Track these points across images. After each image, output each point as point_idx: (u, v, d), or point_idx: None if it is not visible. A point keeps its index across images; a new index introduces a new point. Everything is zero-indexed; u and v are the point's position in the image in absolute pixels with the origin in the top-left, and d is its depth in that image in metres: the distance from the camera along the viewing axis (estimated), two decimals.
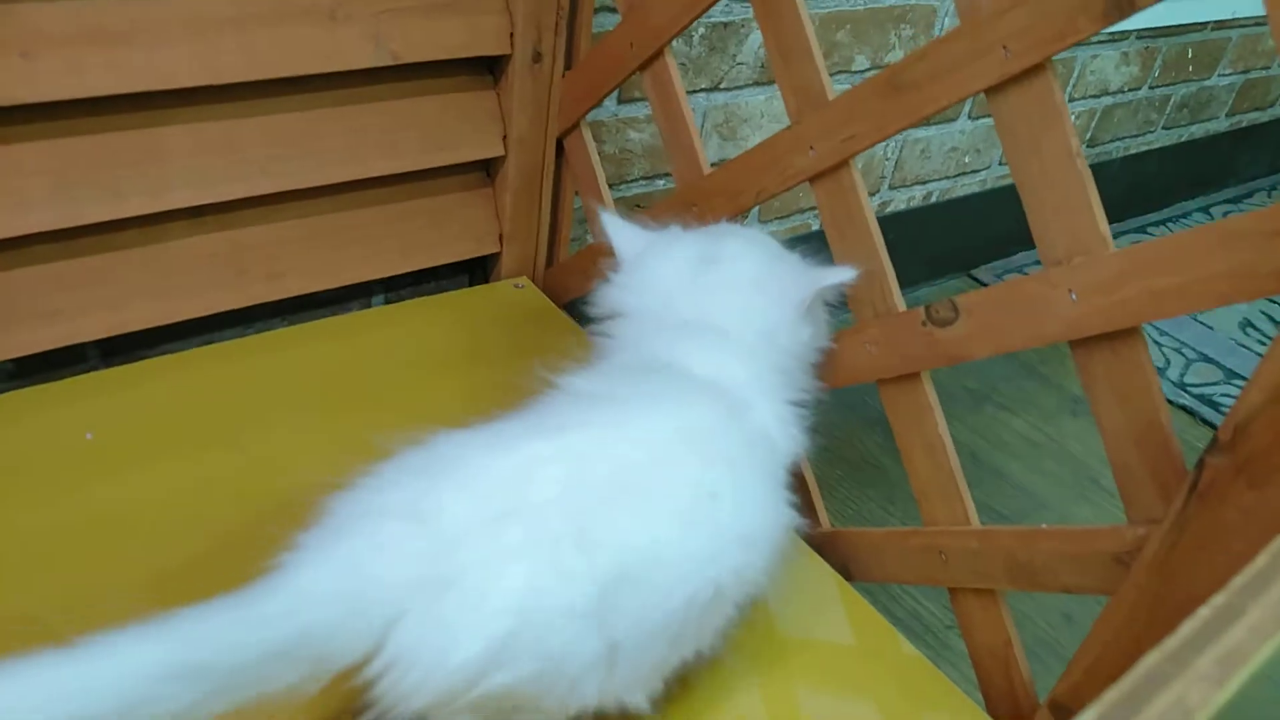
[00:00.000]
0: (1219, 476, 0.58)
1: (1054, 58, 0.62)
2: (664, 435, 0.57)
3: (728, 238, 0.74)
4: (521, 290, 1.07)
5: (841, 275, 0.71)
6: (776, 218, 1.40)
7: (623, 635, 0.52)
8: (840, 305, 0.77)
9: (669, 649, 0.57)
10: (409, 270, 0.99)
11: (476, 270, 1.10)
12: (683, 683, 0.66)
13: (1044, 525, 0.71)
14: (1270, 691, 0.34)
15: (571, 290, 1.07)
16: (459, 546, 0.50)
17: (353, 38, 0.85)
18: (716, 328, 0.68)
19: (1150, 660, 0.33)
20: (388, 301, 1.06)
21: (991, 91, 0.65)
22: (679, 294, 0.70)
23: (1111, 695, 0.31)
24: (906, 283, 1.65)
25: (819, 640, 0.76)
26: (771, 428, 0.66)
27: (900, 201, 1.53)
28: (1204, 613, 0.35)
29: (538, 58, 0.95)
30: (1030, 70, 0.63)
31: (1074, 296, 0.64)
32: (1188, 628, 0.35)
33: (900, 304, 0.76)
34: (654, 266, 0.73)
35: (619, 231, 0.75)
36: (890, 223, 1.53)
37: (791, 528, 0.66)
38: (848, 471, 1.30)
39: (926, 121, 0.71)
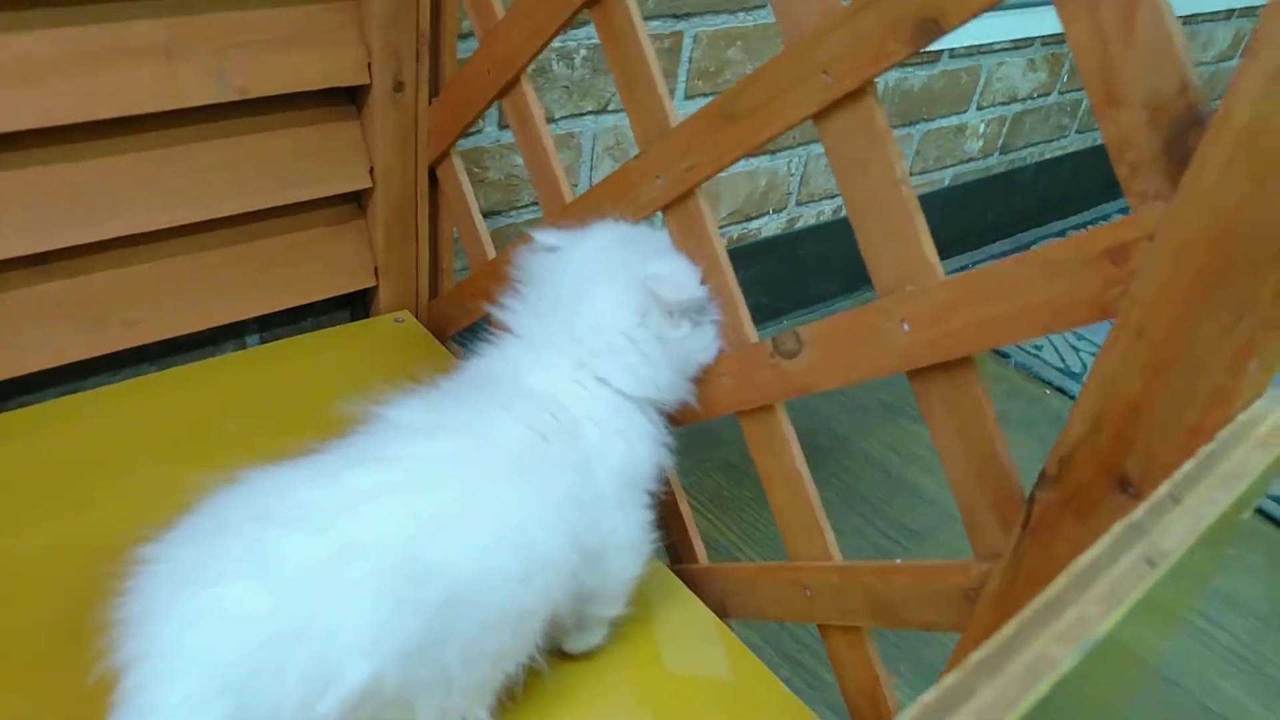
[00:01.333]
0: (1048, 511, 0.57)
1: (875, 80, 0.60)
2: (477, 465, 0.60)
3: (586, 235, 0.74)
4: (402, 324, 1.04)
5: (672, 279, 0.70)
6: None
7: (453, 661, 0.54)
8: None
9: (494, 668, 0.59)
10: (278, 309, 0.97)
11: (358, 305, 1.08)
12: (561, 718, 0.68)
13: (899, 560, 0.69)
14: (1083, 691, 0.32)
15: (456, 322, 1.04)
16: (302, 593, 0.50)
17: (192, 74, 0.82)
18: (564, 334, 0.69)
19: None
20: (263, 341, 1.03)
21: (817, 118, 0.64)
22: (540, 297, 0.72)
23: None
24: (823, 297, 1.63)
25: (696, 679, 0.74)
26: (607, 446, 0.67)
27: (809, 216, 1.51)
28: (927, 698, 0.33)
29: (399, 87, 0.93)
30: (851, 95, 0.61)
31: (906, 327, 0.62)
32: (909, 714, 0.32)
33: (753, 335, 0.74)
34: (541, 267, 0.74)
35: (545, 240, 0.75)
36: (800, 238, 1.52)
37: (645, 546, 0.69)
38: (757, 493, 1.28)
39: (761, 150, 0.68)
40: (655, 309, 0.70)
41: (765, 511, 1.26)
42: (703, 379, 0.76)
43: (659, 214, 0.78)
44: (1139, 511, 0.43)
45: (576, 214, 0.85)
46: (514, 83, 0.86)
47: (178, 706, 0.47)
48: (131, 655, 0.49)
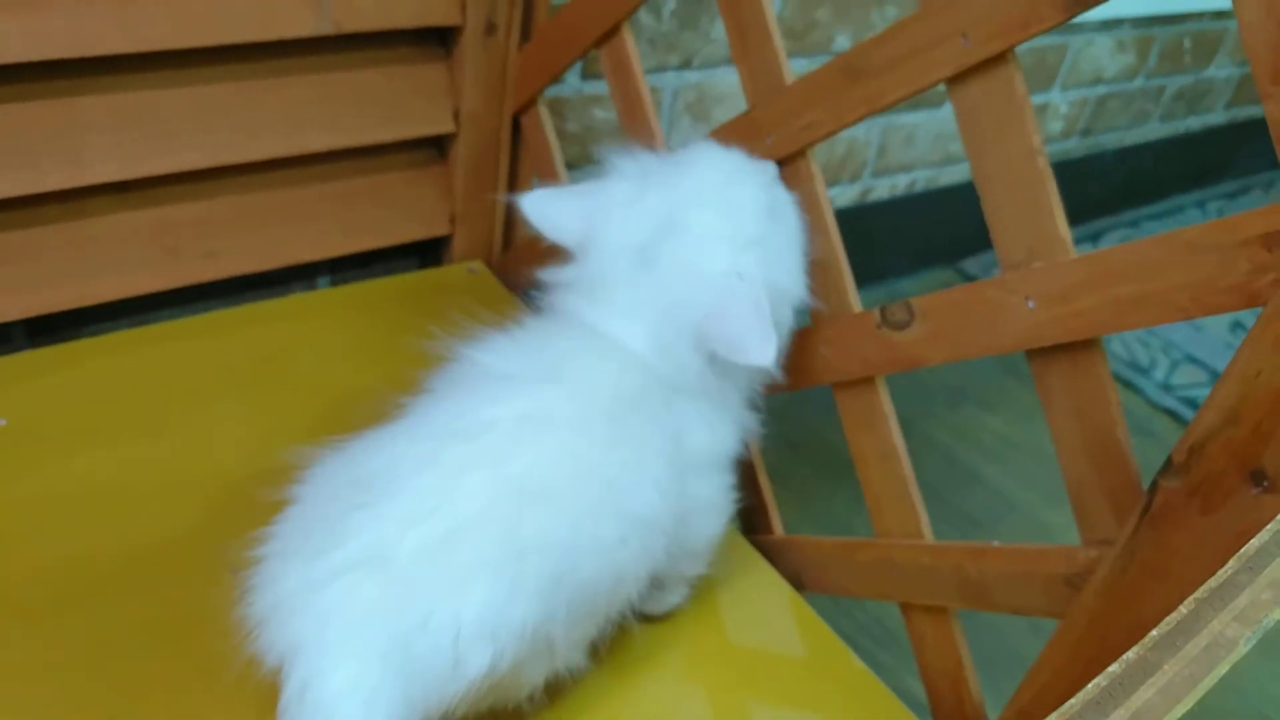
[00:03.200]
0: (1171, 500, 0.55)
1: (1019, 47, 0.58)
2: (572, 420, 0.56)
3: (684, 215, 0.62)
4: (475, 275, 1.02)
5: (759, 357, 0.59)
6: None
7: (558, 629, 0.53)
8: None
9: (590, 624, 0.58)
10: (352, 251, 0.95)
11: (428, 253, 1.06)
12: (631, 686, 0.67)
13: (995, 543, 0.67)
14: None
15: (528, 276, 1.02)
16: (416, 580, 0.49)
17: (292, 4, 0.80)
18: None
19: None
20: (333, 284, 1.02)
21: (951, 82, 0.61)
22: (619, 283, 0.62)
23: None
24: (889, 274, 1.60)
25: (768, 651, 0.73)
26: (690, 420, 0.62)
27: (883, 189, 1.48)
28: (1114, 669, 0.32)
29: (491, 29, 0.90)
30: (991, 61, 0.58)
31: (1032, 304, 0.60)
32: (1093, 686, 0.31)
33: (856, 304, 0.72)
34: (597, 254, 0.63)
35: (546, 215, 0.65)
36: (872, 211, 1.49)
37: (728, 505, 0.67)
38: (817, 470, 1.27)
39: (889, 110, 0.66)
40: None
41: (823, 489, 1.25)
42: (800, 348, 0.74)
43: None
44: None
45: None
46: (615, 31, 0.83)
47: (347, 692, 0.47)
48: (279, 653, 0.49)
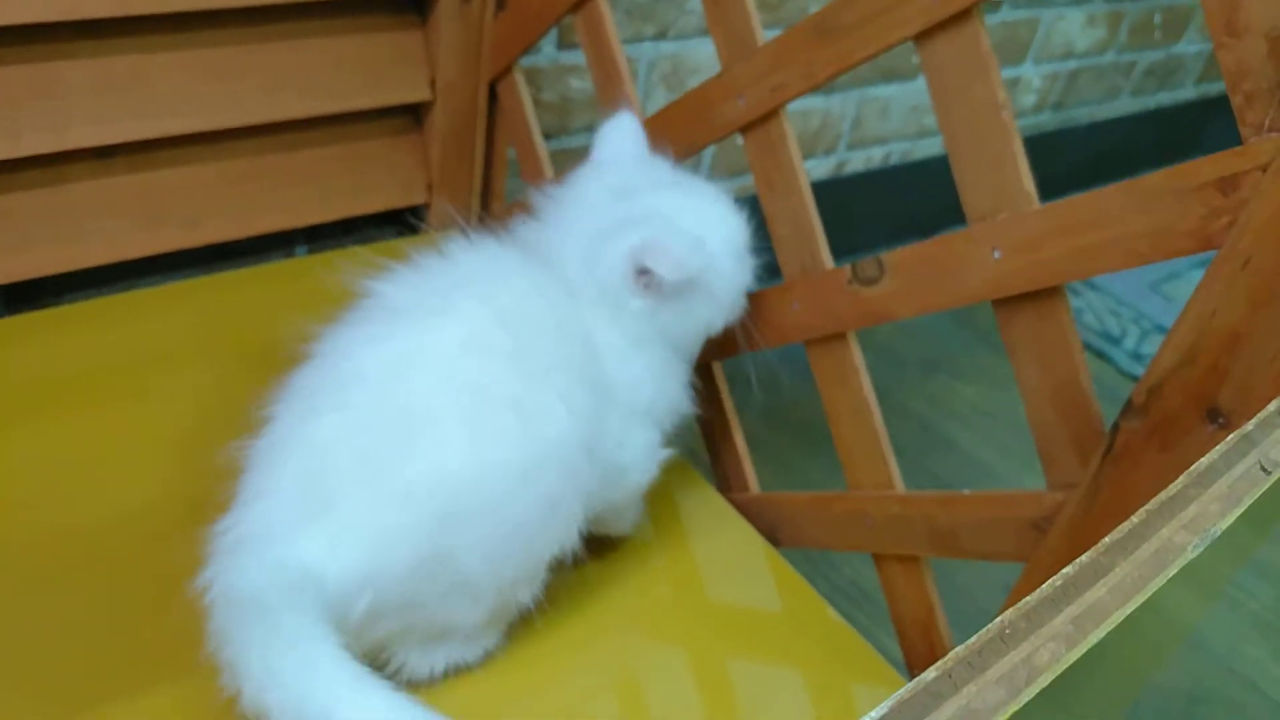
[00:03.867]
0: (1132, 440, 0.57)
1: (984, 5, 0.59)
2: (464, 346, 0.55)
3: (682, 188, 0.68)
4: None
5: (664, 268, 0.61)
6: (729, 174, 1.37)
7: (472, 565, 0.53)
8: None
9: (533, 558, 0.57)
10: (331, 219, 0.96)
11: (405, 221, 1.07)
12: (608, 641, 0.68)
13: (965, 490, 0.69)
14: (1125, 652, 0.32)
15: None
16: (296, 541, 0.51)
17: None
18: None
19: (1006, 617, 0.32)
20: (311, 252, 1.03)
21: (920, 38, 0.62)
22: (590, 202, 0.67)
23: (958, 651, 0.30)
24: (864, 246, 1.62)
25: (746, 606, 0.74)
26: (621, 363, 0.63)
27: (858, 162, 1.50)
28: (1068, 571, 0.33)
29: None
30: (957, 17, 0.60)
31: (997, 254, 0.62)
32: (1049, 585, 0.33)
33: (828, 261, 0.74)
34: (588, 181, 0.69)
35: (612, 135, 0.71)
36: (848, 184, 1.50)
37: (650, 464, 0.66)
38: (794, 436, 1.29)
39: (855, 69, 0.67)
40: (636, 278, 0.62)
41: (801, 457, 1.26)
42: (772, 306, 0.76)
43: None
44: (1250, 425, 0.43)
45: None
46: None
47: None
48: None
